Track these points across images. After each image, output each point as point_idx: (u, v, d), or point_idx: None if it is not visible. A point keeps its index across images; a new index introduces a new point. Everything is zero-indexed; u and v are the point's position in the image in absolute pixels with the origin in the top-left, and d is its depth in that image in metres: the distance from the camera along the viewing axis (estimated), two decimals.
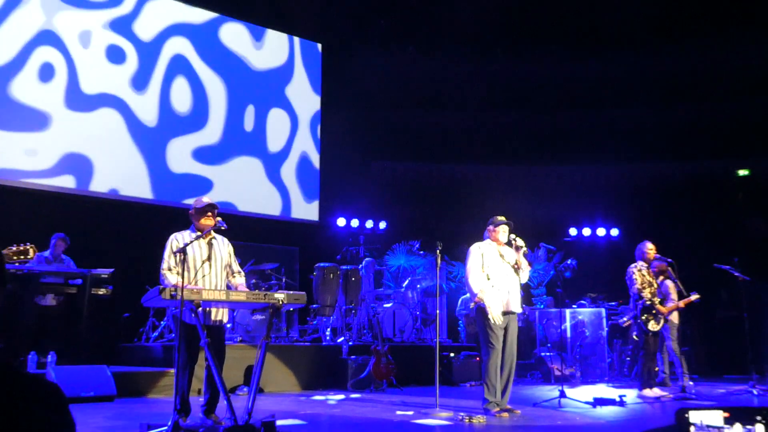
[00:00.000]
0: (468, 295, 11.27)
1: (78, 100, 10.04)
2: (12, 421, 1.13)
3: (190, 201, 10.40)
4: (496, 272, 6.33)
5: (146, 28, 10.82)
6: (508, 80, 14.26)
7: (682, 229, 12.79)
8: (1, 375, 1.17)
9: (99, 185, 10.11)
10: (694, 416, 2.39)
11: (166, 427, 4.54)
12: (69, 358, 7.24)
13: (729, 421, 2.29)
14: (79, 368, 6.95)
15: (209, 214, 5.32)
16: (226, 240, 5.56)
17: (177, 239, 5.29)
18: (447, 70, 14.36)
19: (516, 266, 6.43)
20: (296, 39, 12.75)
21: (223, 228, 5.31)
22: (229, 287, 5.40)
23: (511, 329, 6.36)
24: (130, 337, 9.09)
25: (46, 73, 9.77)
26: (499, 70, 14.21)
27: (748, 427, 2.23)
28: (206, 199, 5.48)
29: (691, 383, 8.13)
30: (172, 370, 7.23)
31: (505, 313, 6.31)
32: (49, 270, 8.00)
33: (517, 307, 6.45)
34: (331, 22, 13.13)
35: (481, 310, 6.29)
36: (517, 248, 6.40)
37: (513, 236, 6.43)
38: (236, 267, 5.52)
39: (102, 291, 8.01)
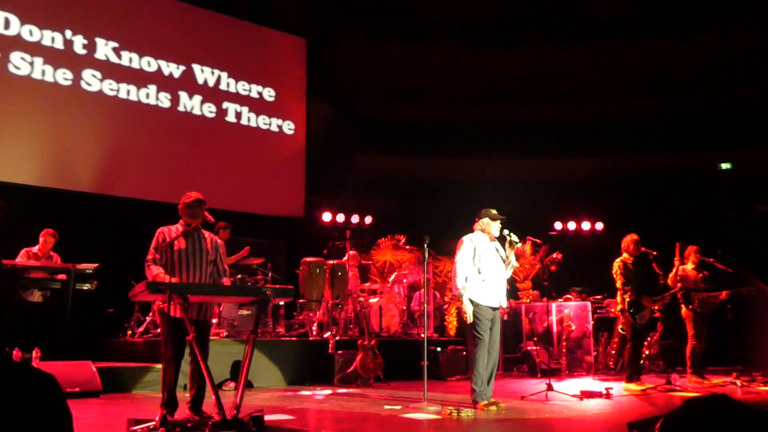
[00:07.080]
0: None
1: (66, 98, 9.98)
2: (11, 410, 1.11)
3: (174, 196, 10.41)
4: (488, 266, 6.28)
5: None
6: (493, 74, 14.29)
7: (665, 221, 12.88)
8: None
9: (84, 181, 10.03)
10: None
11: (153, 422, 4.50)
12: (53, 354, 7.16)
13: None
14: (63, 364, 6.88)
15: (197, 209, 5.29)
16: (216, 237, 5.53)
17: (164, 233, 5.26)
18: (431, 64, 14.35)
19: (506, 261, 6.44)
20: (281, 34, 12.68)
21: (210, 222, 5.31)
22: None
23: (496, 323, 6.36)
24: (114, 333, 9.02)
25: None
26: (482, 64, 14.23)
27: None
28: (194, 194, 5.43)
29: (676, 375, 8.20)
30: (157, 366, 7.19)
31: (494, 309, 6.31)
32: (33, 266, 7.90)
33: (503, 302, 6.46)
34: (315, 15, 13.08)
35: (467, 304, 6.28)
36: (511, 244, 6.38)
37: (507, 232, 6.40)
38: (221, 266, 5.48)
39: (86, 286, 7.92)
